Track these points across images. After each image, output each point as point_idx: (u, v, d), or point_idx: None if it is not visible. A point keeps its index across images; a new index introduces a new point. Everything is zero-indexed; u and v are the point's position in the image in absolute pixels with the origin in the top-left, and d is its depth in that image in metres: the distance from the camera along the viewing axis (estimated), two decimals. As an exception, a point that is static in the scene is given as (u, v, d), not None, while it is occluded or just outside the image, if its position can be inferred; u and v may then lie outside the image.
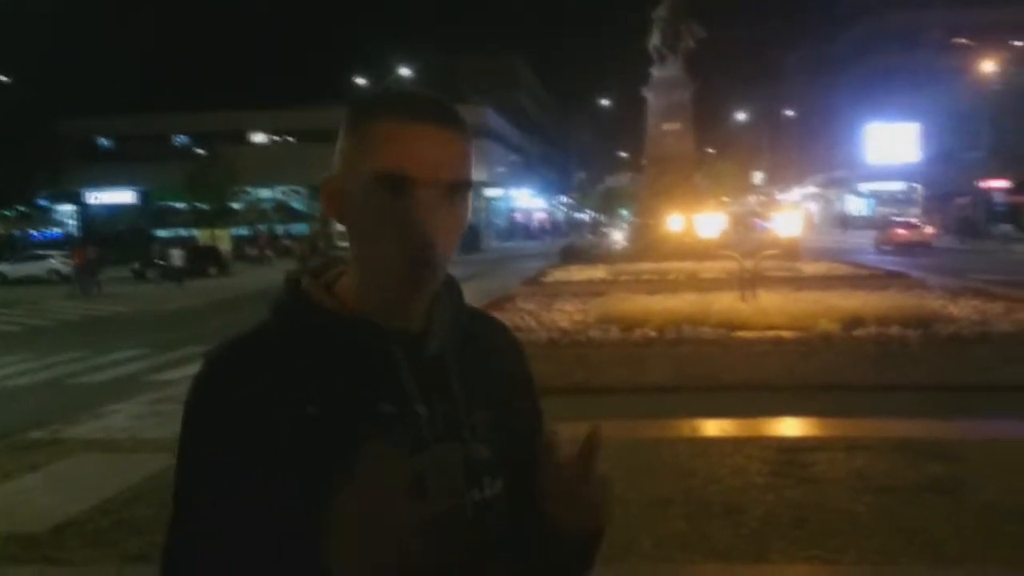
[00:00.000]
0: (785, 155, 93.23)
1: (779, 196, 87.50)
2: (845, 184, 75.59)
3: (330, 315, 1.17)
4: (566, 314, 12.45)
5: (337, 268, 1.25)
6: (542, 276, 21.12)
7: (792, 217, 19.42)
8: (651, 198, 25.60)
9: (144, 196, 64.79)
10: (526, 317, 12.06)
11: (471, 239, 52.40)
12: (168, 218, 59.68)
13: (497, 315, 1.48)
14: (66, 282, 31.68)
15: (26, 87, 52.57)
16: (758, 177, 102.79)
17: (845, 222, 69.53)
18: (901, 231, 41.89)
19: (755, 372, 9.67)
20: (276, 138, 68.39)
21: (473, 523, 1.17)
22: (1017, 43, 47.43)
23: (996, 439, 7.24)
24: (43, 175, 56.57)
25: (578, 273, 21.00)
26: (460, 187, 1.14)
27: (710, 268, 18.02)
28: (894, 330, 10.20)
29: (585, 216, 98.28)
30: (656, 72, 26.76)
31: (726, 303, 11.74)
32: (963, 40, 47.62)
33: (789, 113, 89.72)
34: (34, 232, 59.63)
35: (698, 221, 17.97)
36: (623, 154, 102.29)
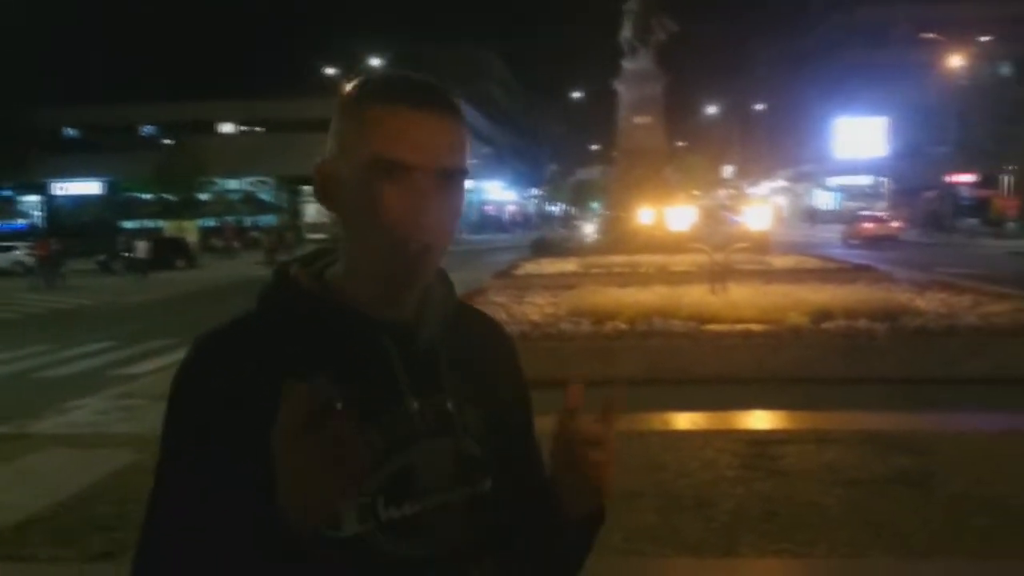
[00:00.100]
0: (755, 149, 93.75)
1: (748, 190, 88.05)
2: (813, 178, 76.17)
3: (320, 303, 1.15)
4: (537, 307, 12.43)
5: (328, 257, 1.23)
6: (513, 269, 21.08)
7: (762, 211, 19.52)
8: (622, 191, 25.64)
9: (111, 187, 64.07)
10: (498, 310, 12.01)
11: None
12: (135, 209, 58.99)
13: None
14: (30, 274, 31.23)
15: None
16: (728, 171, 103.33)
17: (813, 216, 70.06)
18: (868, 225, 42.24)
19: (725, 365, 9.70)
20: (244, 128, 67.85)
21: (464, 519, 1.16)
22: (984, 39, 47.94)
23: (963, 432, 7.30)
24: (8, 166, 55.68)
25: (549, 266, 20.98)
26: (455, 174, 1.12)
27: (680, 261, 18.08)
28: (862, 323, 10.27)
29: (556, 209, 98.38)
30: (627, 65, 26.78)
31: (696, 296, 11.77)
32: (931, 35, 48.05)
33: (759, 107, 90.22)
34: (-2, 223, 58.81)
35: (669, 214, 18.02)
36: (594, 147, 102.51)
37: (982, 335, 9.97)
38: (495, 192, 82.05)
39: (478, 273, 22.63)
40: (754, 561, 4.71)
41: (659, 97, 26.74)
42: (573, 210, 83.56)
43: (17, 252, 37.34)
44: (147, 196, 58.92)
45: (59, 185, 64.89)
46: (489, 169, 74.28)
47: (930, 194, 53.98)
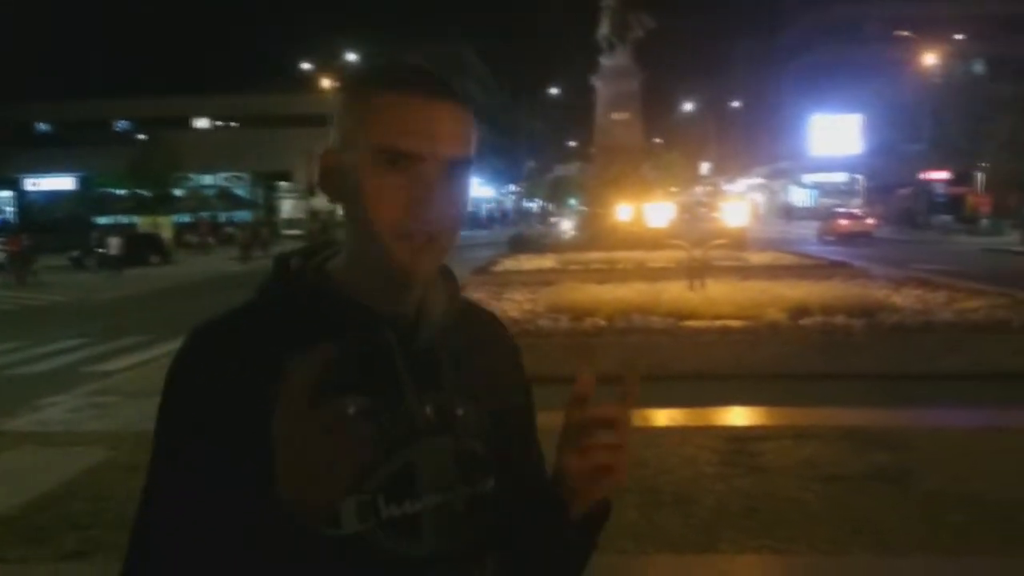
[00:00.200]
0: (731, 146, 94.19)
1: (725, 187, 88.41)
2: (789, 175, 76.63)
3: (321, 296, 1.12)
4: (516, 303, 12.41)
5: (329, 250, 1.21)
6: (492, 265, 21.04)
7: (740, 207, 19.61)
8: (600, 187, 25.66)
9: (84, 182, 63.47)
10: (476, 307, 11.98)
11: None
12: (109, 205, 58.43)
13: None
14: (1, 270, 30.86)
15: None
16: (705, 168, 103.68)
17: (789, 213, 70.48)
18: (843, 222, 42.59)
19: (704, 361, 9.72)
20: (219, 124, 67.42)
21: (465, 518, 1.13)
22: (957, 37, 48.38)
23: (940, 428, 7.35)
24: (-21, 161, 55.15)
25: (527, 262, 20.96)
26: (460, 164, 1.10)
27: (659, 257, 18.10)
28: (839, 319, 10.32)
29: (534, 205, 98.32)
30: (605, 61, 26.82)
31: (675, 292, 11.80)
32: (905, 33, 48.42)
33: (735, 104, 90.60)
34: (-31, 219, 58.12)
35: (647, 210, 18.04)
36: (572, 143, 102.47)
37: (958, 331, 10.04)
38: (473, 188, 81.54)
39: (456, 270, 22.33)
40: (734, 558, 4.70)
41: (636, 93, 26.79)
42: (551, 206, 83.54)
43: (-11, 247, 36.86)
44: (121, 192, 58.41)
45: (31, 180, 64.25)
46: (466, 165, 74.00)
47: (904, 191, 54.43)
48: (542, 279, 15.66)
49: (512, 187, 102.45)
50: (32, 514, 5.65)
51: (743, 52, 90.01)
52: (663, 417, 7.68)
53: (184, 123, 64.92)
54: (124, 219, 52.26)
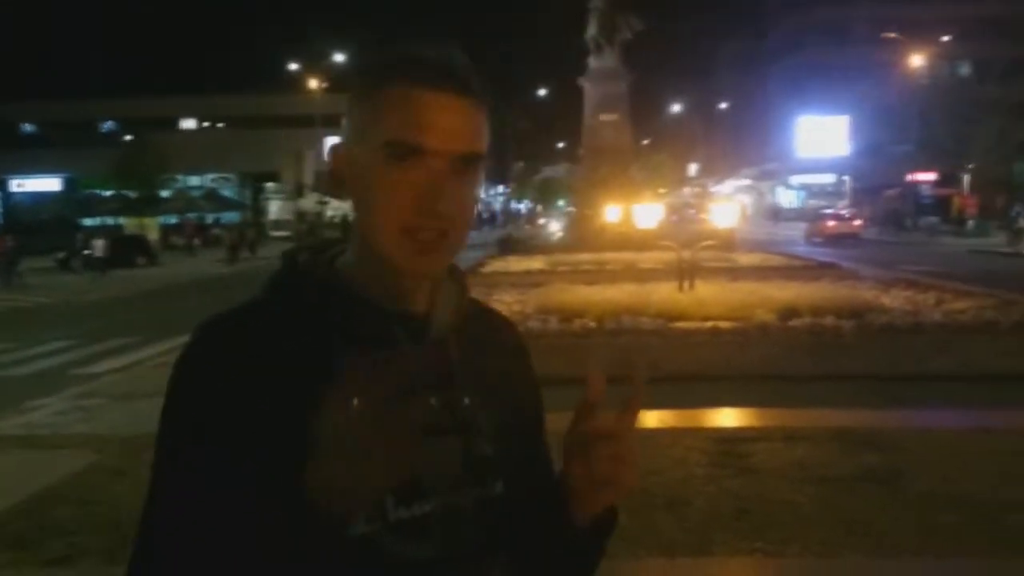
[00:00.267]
0: (719, 147, 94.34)
1: (713, 188, 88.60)
2: (777, 176, 76.81)
3: (330, 292, 1.10)
4: (505, 305, 12.36)
5: (339, 246, 1.20)
6: (480, 267, 20.99)
7: (729, 209, 19.65)
8: (588, 189, 25.68)
9: (70, 183, 63.11)
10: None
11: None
12: (95, 206, 58.07)
13: None
14: (-14, 272, 30.60)
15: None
16: (692, 169, 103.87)
17: (776, 214, 70.66)
18: (831, 223, 42.73)
19: (693, 362, 9.70)
20: (207, 124, 67.17)
21: (474, 521, 1.10)
22: (944, 38, 48.61)
23: (930, 429, 7.37)
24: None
25: (516, 264, 20.93)
26: (472, 159, 1.08)
27: (648, 258, 18.11)
28: (829, 320, 10.33)
29: (522, 207, 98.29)
30: (593, 63, 26.83)
31: (664, 293, 11.80)
32: (891, 35, 48.63)
33: (723, 106, 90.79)
34: (-47, 220, 57.65)
35: (636, 212, 18.04)
36: (560, 144, 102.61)
37: (947, 332, 10.07)
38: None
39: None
40: (727, 560, 4.68)
41: (625, 95, 26.80)
42: (539, 208, 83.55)
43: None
44: (107, 193, 58.08)
45: (16, 181, 63.86)
46: (455, 167, 73.85)
47: (891, 192, 54.64)
48: (531, 280, 15.63)
49: (500, 188, 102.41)
50: (16, 519, 5.60)
51: (730, 54, 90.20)
52: (653, 419, 7.66)
53: (171, 124, 64.67)
54: (110, 220, 52.00)
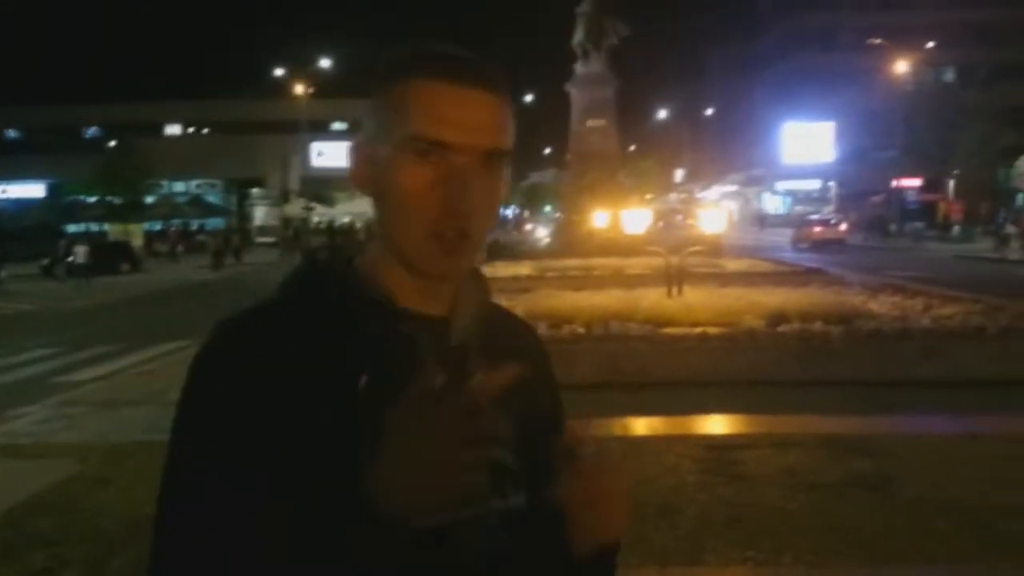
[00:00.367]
0: (705, 153, 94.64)
1: (700, 194, 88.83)
2: (763, 182, 77.11)
3: (349, 292, 1.08)
4: (492, 311, 12.32)
5: (357, 246, 1.17)
6: (467, 272, 20.89)
7: (717, 214, 19.67)
8: (576, 194, 25.66)
9: (54, 190, 62.77)
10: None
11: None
12: (79, 212, 57.81)
13: None
14: (-32, 279, 30.37)
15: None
16: (679, 175, 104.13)
17: (762, 220, 70.91)
18: (817, 229, 42.94)
19: (682, 368, 9.67)
20: (192, 130, 66.96)
21: (494, 533, 1.06)
22: (928, 45, 48.92)
23: (919, 434, 7.37)
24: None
25: (503, 269, 20.86)
26: (497, 155, 1.05)
27: (635, 264, 18.09)
28: (817, 326, 10.33)
29: (509, 212, 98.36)
30: (580, 68, 26.82)
31: (653, 299, 11.77)
32: (877, 42, 48.92)
33: (709, 112, 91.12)
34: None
35: (623, 217, 18.02)
36: (547, 150, 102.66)
37: (935, 338, 10.07)
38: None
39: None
40: (720, 571, 4.65)
41: (611, 100, 26.80)
42: (526, 213, 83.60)
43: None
44: (92, 199, 57.78)
45: (0, 187, 63.39)
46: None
47: (877, 198, 54.93)
48: (519, 286, 15.56)
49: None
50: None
51: (717, 60, 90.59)
52: (643, 426, 7.65)
53: (156, 129, 64.42)
54: (95, 227, 51.76)
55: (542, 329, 10.55)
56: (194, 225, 58.25)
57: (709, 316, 10.90)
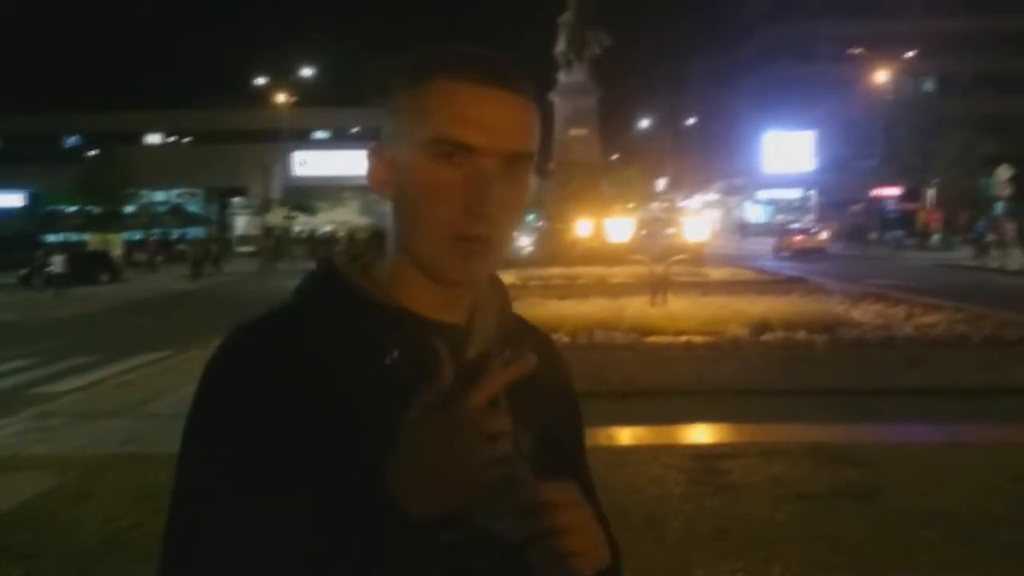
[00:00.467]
0: (687, 162, 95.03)
1: (682, 203, 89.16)
2: (744, 191, 77.46)
3: (366, 299, 1.05)
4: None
5: (376, 251, 1.13)
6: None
7: (701, 223, 19.74)
8: (559, 203, 25.66)
9: (34, 199, 62.28)
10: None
11: (378, 244, 51.87)
12: (58, 222, 57.41)
13: None
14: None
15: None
16: (661, 184, 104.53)
17: (743, 229, 71.22)
18: (798, 237, 43.17)
19: (667, 377, 9.65)
20: (172, 139, 66.65)
21: (513, 552, 0.99)
22: (908, 55, 49.33)
23: (904, 443, 7.40)
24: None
25: (486, 278, 20.82)
26: (522, 158, 1.02)
27: (619, 273, 18.08)
28: (801, 335, 10.32)
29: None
30: (563, 78, 26.87)
31: (637, 308, 11.74)
32: (857, 51, 49.29)
33: (691, 121, 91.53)
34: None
35: (606, 226, 18.01)
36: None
37: (918, 346, 10.09)
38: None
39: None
40: (708, 583, 4.60)
41: (594, 110, 26.87)
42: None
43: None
44: (71, 209, 57.40)
45: (-22, 197, 62.91)
46: (423, 181, 73.88)
47: (857, 207, 55.25)
48: (502, 295, 15.52)
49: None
50: (-25, 544, 5.43)
51: (698, 70, 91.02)
52: (629, 435, 7.62)
53: (136, 139, 64.07)
54: (74, 236, 51.42)
55: (526, 338, 10.52)
56: (174, 234, 57.91)
57: (693, 325, 10.88)
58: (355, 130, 64.79)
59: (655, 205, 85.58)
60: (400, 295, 1.05)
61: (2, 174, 60.11)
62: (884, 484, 6.07)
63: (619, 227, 17.20)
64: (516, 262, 25.76)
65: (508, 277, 19.18)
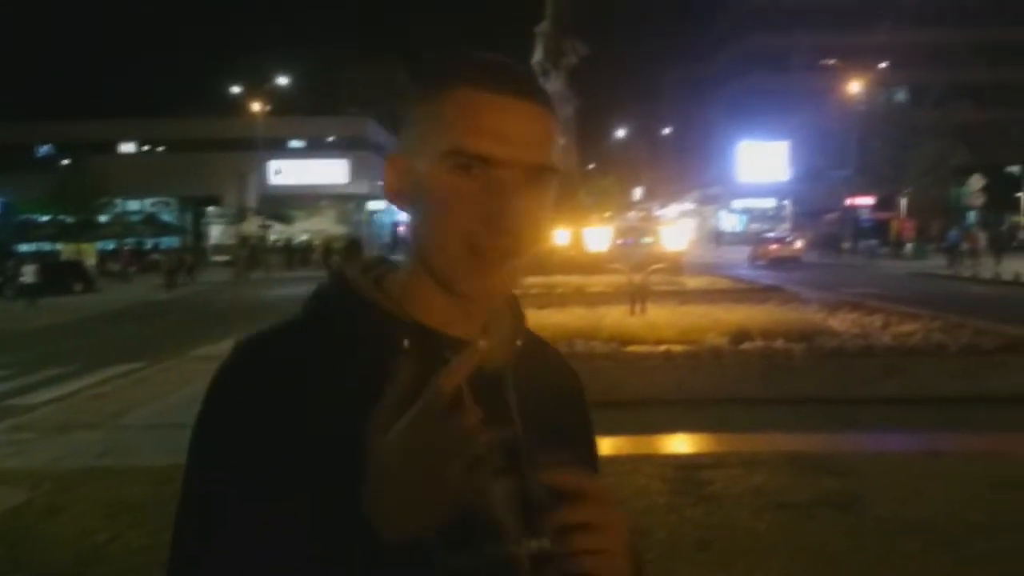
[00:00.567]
0: (663, 172, 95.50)
1: (658, 212, 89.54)
2: (719, 201, 77.90)
3: (379, 312, 1.02)
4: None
5: (388, 264, 1.12)
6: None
7: (679, 232, 19.85)
8: (536, 212, 25.73)
9: (6, 208, 61.55)
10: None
11: (354, 253, 51.66)
12: (31, 232, 56.78)
13: None
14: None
15: None
16: (637, 193, 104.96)
17: (718, 238, 71.64)
18: (773, 246, 43.44)
19: (647, 386, 9.65)
20: (147, 148, 66.18)
21: (526, 573, 0.98)
22: (882, 65, 49.83)
23: (883, 452, 7.42)
24: None
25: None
26: (543, 171, 0.99)
27: (597, 282, 18.11)
28: (779, 344, 10.37)
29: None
30: (540, 87, 26.97)
31: (616, 317, 11.76)
32: (830, 62, 49.75)
33: (667, 131, 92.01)
34: None
35: (584, 235, 18.05)
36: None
37: (897, 355, 10.15)
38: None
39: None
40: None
41: (571, 119, 26.94)
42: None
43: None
44: (44, 218, 56.82)
45: (-52, 206, 62.15)
46: (400, 190, 73.68)
47: (831, 216, 55.70)
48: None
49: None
50: (-56, 561, 5.31)
51: (674, 79, 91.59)
52: (610, 445, 7.57)
53: (110, 147, 63.52)
54: (47, 246, 50.91)
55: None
56: (148, 244, 57.43)
57: (672, 334, 10.91)
58: (331, 139, 64.65)
59: (632, 214, 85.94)
60: (414, 308, 1.03)
61: (-28, 183, 59.43)
62: (864, 493, 6.07)
63: (597, 236, 17.24)
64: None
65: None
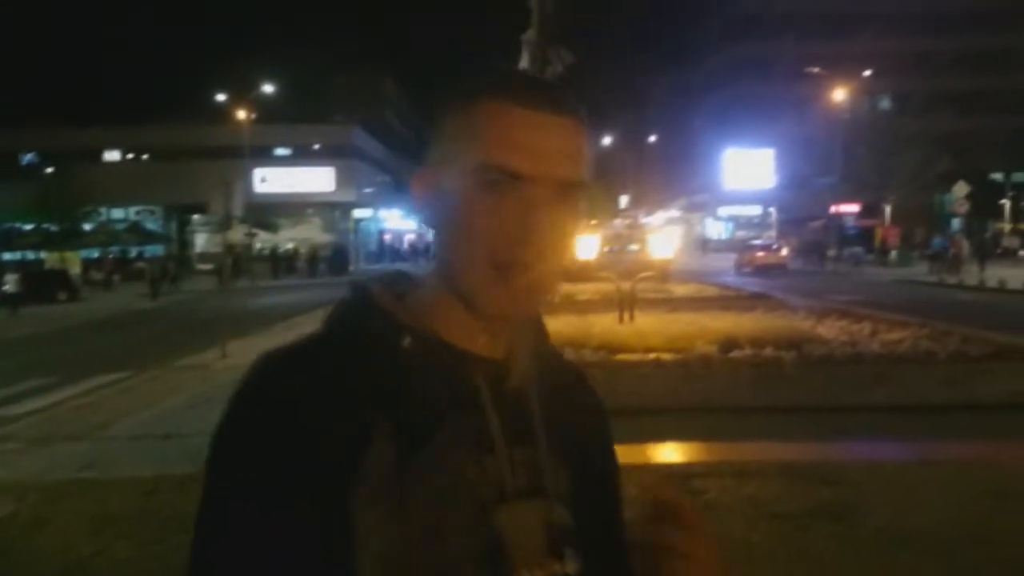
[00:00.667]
0: (649, 179, 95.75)
1: (644, 219, 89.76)
2: (705, 208, 78.15)
3: (403, 329, 0.99)
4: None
5: (411, 280, 1.09)
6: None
7: (667, 240, 19.89)
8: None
9: (-12, 217, 61.12)
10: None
11: (340, 261, 51.51)
12: (14, 240, 56.37)
13: None
14: None
15: None
16: (623, 201, 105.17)
17: (704, 245, 71.85)
18: (759, 254, 43.61)
19: (637, 395, 9.59)
20: (131, 156, 65.87)
21: None
22: (866, 73, 50.11)
23: (875, 461, 7.38)
24: None
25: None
26: (573, 186, 0.97)
27: (585, 290, 18.10)
28: (768, 352, 10.38)
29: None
30: (526, 95, 27.01)
31: (605, 325, 11.76)
32: (815, 70, 50.00)
33: (652, 139, 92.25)
34: None
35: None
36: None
37: (886, 363, 10.18)
38: (393, 221, 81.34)
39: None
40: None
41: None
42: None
43: None
44: (28, 226, 56.43)
45: (-70, 214, 61.62)
46: (387, 197, 73.75)
47: (816, 224, 55.91)
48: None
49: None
50: (-74, 576, 5.24)
51: (660, 87, 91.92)
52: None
53: (94, 155, 63.16)
54: (31, 255, 50.57)
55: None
56: (132, 252, 57.12)
57: (661, 342, 10.90)
58: (316, 147, 64.49)
59: (618, 222, 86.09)
60: (437, 325, 1.00)
61: (-45, 191, 58.96)
62: (859, 503, 6.04)
63: (584, 244, 17.23)
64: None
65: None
